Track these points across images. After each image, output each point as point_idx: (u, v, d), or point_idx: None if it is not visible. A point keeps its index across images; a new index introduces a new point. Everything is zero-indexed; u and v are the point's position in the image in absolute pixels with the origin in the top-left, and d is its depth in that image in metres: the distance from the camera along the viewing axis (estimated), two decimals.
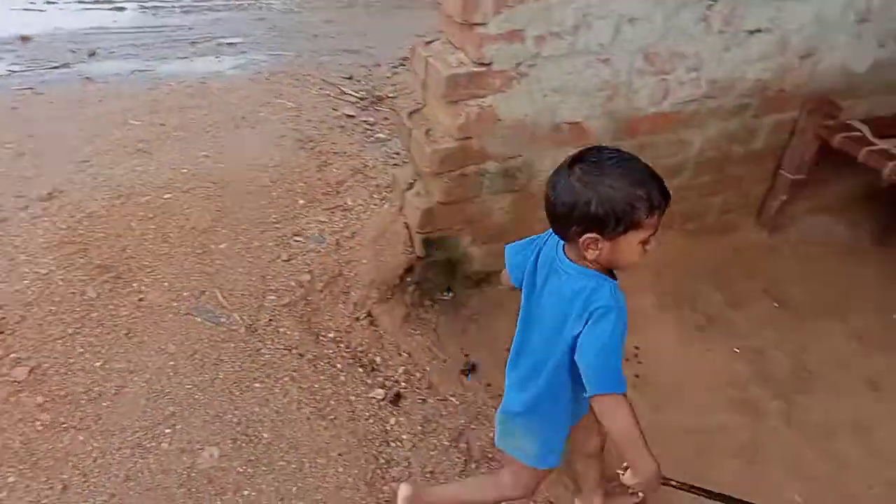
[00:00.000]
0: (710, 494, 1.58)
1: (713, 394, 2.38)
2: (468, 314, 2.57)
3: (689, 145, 2.68)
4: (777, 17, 2.44)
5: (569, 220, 1.32)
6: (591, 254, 1.33)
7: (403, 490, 1.78)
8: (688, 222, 2.95)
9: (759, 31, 2.45)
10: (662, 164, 2.65)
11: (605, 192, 1.27)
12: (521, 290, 1.53)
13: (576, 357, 1.37)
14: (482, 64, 2.13)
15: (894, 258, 3.00)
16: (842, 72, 2.76)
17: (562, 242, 1.41)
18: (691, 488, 1.55)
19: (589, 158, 1.31)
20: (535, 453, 1.60)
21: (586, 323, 1.34)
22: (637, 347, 2.52)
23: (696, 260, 2.92)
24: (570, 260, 1.40)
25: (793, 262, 2.97)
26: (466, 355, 2.42)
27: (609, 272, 1.40)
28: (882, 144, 2.67)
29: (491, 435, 2.01)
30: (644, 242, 1.33)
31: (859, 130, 2.73)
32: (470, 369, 2.37)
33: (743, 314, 2.70)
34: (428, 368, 2.34)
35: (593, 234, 1.31)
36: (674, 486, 1.51)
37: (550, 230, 1.42)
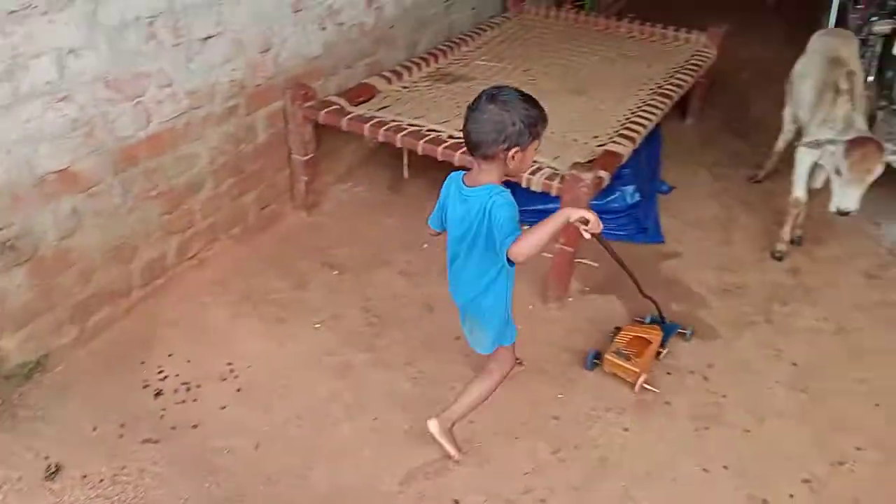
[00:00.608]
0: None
1: (315, 371, 2.51)
2: (29, 415, 2.24)
3: (197, 158, 2.71)
4: (221, 21, 2.60)
5: (497, 140, 1.76)
6: (511, 164, 1.80)
7: (433, 426, 2.15)
8: (232, 228, 3.02)
9: (210, 36, 2.57)
10: (178, 183, 2.65)
11: (520, 114, 1.75)
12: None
13: (494, 231, 1.78)
14: None
15: (408, 202, 3.51)
16: (301, 57, 3.08)
17: (459, 181, 1.89)
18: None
19: (500, 96, 1.77)
20: (493, 339, 2.07)
21: (491, 210, 1.78)
22: (230, 363, 2.51)
23: (254, 260, 3.02)
24: (470, 186, 1.85)
25: (336, 231, 3.27)
26: (46, 458, 2.12)
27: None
28: (358, 111, 3.09)
29: None
30: (535, 150, 1.84)
31: (337, 104, 3.10)
32: (54, 471, 2.08)
33: (311, 292, 2.88)
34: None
35: (516, 147, 1.76)
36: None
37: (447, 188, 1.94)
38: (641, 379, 2.48)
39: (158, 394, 2.38)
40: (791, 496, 2.17)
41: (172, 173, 2.62)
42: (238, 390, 2.43)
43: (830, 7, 4.45)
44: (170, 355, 2.52)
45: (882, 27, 3.52)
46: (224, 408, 2.36)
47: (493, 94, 1.78)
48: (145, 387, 2.41)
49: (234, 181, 2.94)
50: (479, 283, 1.97)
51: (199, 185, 2.77)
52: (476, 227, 1.85)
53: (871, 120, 3.62)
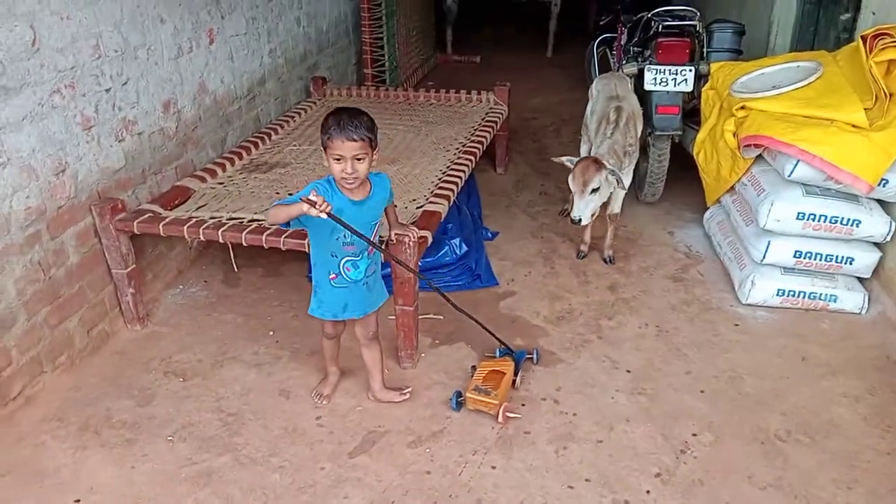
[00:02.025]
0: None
1: (175, 486, 2.38)
2: None
3: (3, 293, 2.54)
4: (4, 151, 2.48)
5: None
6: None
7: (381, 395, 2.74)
8: (58, 357, 2.84)
9: None
10: None
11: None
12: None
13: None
14: None
15: (245, 293, 3.49)
16: (103, 171, 3.00)
17: (330, 185, 2.30)
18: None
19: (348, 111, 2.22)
20: None
21: None
22: (77, 500, 2.33)
23: (90, 385, 2.84)
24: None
25: (175, 338, 3.15)
26: None
27: None
28: (174, 214, 3.06)
29: None
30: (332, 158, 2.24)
31: (151, 211, 3.05)
32: None
33: (158, 406, 2.74)
34: None
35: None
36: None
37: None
38: (502, 409, 2.63)
39: None
40: (648, 492, 2.37)
41: None
42: None
43: (593, 59, 5.10)
44: None
45: (630, 69, 4.13)
46: None
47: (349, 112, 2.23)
48: None
49: (51, 308, 2.77)
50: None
51: (12, 321, 2.59)
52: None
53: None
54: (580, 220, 3.28)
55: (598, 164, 3.24)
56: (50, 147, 2.70)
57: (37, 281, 2.70)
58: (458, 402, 2.71)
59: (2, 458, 2.48)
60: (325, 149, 2.24)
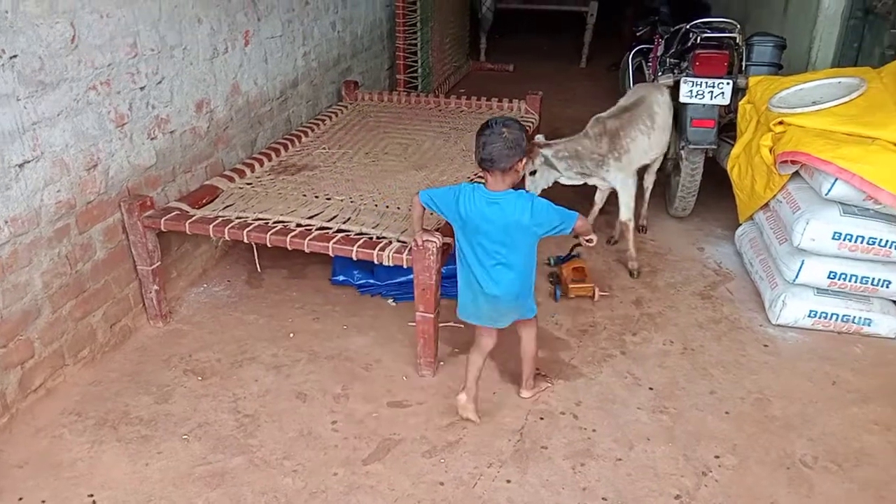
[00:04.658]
0: None
1: (188, 485, 2.38)
2: None
3: (29, 285, 2.58)
4: (38, 145, 2.52)
5: (512, 154, 2.30)
6: (520, 168, 2.36)
7: (461, 398, 2.65)
8: (81, 351, 2.87)
9: (27, 161, 2.50)
10: (12, 314, 2.51)
11: (518, 134, 2.32)
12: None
13: (539, 229, 2.41)
14: None
15: (267, 294, 3.51)
16: (133, 168, 3.04)
17: (478, 190, 2.38)
18: None
19: (505, 121, 2.34)
20: (530, 305, 2.64)
21: (535, 208, 2.36)
22: (91, 495, 2.34)
23: (110, 380, 2.86)
24: (495, 192, 2.36)
25: (196, 336, 3.17)
26: None
27: None
28: (200, 213, 3.08)
29: None
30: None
31: (179, 209, 3.07)
32: None
33: (175, 403, 2.76)
34: None
35: (524, 157, 2.36)
36: None
37: (460, 189, 2.41)
38: (597, 290, 3.43)
39: None
40: None
41: (3, 304, 2.47)
42: None
43: (628, 70, 5.03)
44: (20, 499, 2.31)
45: (666, 80, 4.06)
46: None
47: (503, 121, 2.33)
48: None
49: (76, 302, 2.81)
50: (525, 268, 2.48)
51: (36, 313, 2.63)
52: (516, 223, 2.35)
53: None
54: None
55: (539, 148, 3.41)
56: (83, 143, 2.74)
57: (63, 274, 2.73)
58: (559, 295, 3.46)
59: (20, 449, 2.51)
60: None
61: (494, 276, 2.45)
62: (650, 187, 4.09)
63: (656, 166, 3.97)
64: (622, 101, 3.76)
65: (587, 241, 2.62)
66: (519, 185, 2.49)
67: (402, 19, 5.57)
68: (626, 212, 3.62)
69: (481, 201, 2.37)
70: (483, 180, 2.42)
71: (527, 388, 2.81)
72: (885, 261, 3.10)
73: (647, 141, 3.62)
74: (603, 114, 3.63)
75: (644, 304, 3.47)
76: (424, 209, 2.57)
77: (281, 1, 4.06)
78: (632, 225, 3.65)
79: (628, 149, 3.53)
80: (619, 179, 3.58)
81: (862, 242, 3.05)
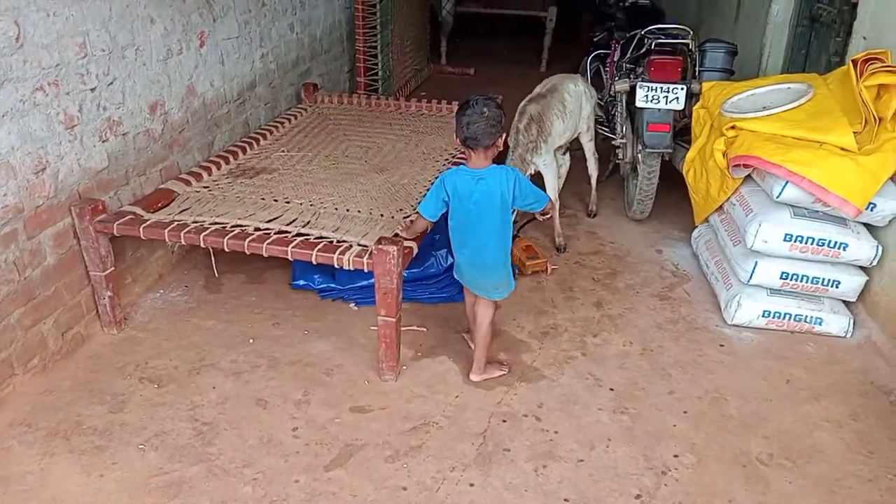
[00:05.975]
0: None
1: (144, 496, 2.32)
2: None
3: None
4: None
5: (493, 132, 2.49)
6: (500, 143, 2.55)
7: (475, 377, 2.91)
8: (30, 360, 2.77)
9: None
10: None
11: (497, 112, 2.51)
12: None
13: (517, 203, 2.63)
14: None
15: (226, 299, 3.44)
16: (84, 172, 2.95)
17: (462, 170, 2.58)
18: None
19: (484, 100, 2.51)
20: (509, 280, 2.83)
21: (519, 182, 2.59)
22: None
23: (62, 390, 2.77)
24: (479, 168, 2.56)
25: (153, 343, 3.09)
26: None
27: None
28: (155, 217, 3.01)
29: None
30: None
31: (132, 213, 3.00)
32: None
33: (130, 412, 2.68)
34: None
35: (504, 133, 2.55)
36: None
37: (443, 178, 2.62)
38: (549, 264, 3.73)
39: None
40: None
41: None
42: None
43: (586, 74, 5.10)
44: None
45: (622, 85, 4.14)
46: None
47: (483, 101, 2.50)
48: None
49: (25, 310, 2.71)
50: (505, 236, 2.68)
51: None
52: (500, 195, 2.55)
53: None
54: None
55: None
56: (30, 145, 2.66)
57: (11, 281, 2.64)
58: (516, 272, 3.46)
59: None
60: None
61: (483, 244, 2.67)
62: (595, 174, 4.40)
63: (591, 152, 4.29)
64: (538, 89, 4.00)
65: (544, 216, 3.02)
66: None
67: (362, 22, 5.54)
68: (552, 192, 3.82)
69: (469, 179, 2.57)
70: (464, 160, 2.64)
71: (475, 372, 2.91)
72: (835, 262, 3.19)
73: (562, 125, 3.91)
74: (522, 101, 3.88)
75: (604, 306, 3.51)
76: (428, 223, 2.79)
77: (237, 2, 4.00)
78: (557, 204, 3.99)
79: (550, 131, 3.81)
80: (546, 162, 3.83)
81: (812, 244, 3.14)
